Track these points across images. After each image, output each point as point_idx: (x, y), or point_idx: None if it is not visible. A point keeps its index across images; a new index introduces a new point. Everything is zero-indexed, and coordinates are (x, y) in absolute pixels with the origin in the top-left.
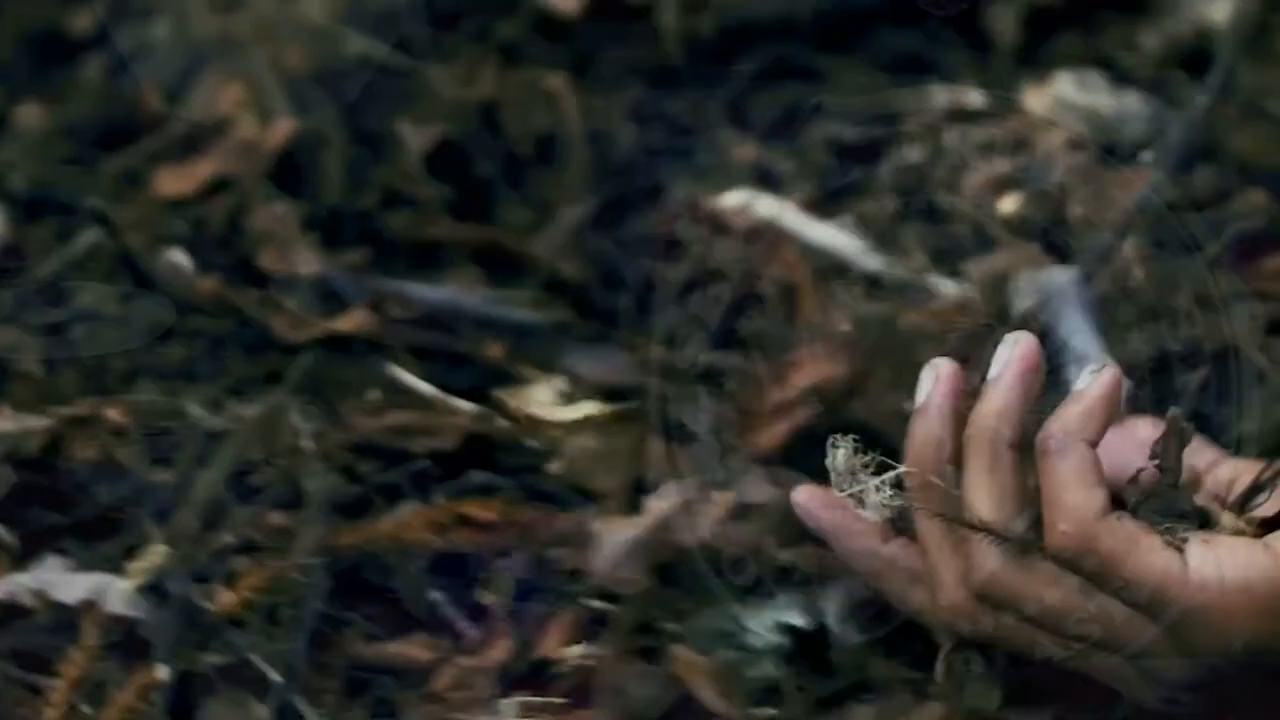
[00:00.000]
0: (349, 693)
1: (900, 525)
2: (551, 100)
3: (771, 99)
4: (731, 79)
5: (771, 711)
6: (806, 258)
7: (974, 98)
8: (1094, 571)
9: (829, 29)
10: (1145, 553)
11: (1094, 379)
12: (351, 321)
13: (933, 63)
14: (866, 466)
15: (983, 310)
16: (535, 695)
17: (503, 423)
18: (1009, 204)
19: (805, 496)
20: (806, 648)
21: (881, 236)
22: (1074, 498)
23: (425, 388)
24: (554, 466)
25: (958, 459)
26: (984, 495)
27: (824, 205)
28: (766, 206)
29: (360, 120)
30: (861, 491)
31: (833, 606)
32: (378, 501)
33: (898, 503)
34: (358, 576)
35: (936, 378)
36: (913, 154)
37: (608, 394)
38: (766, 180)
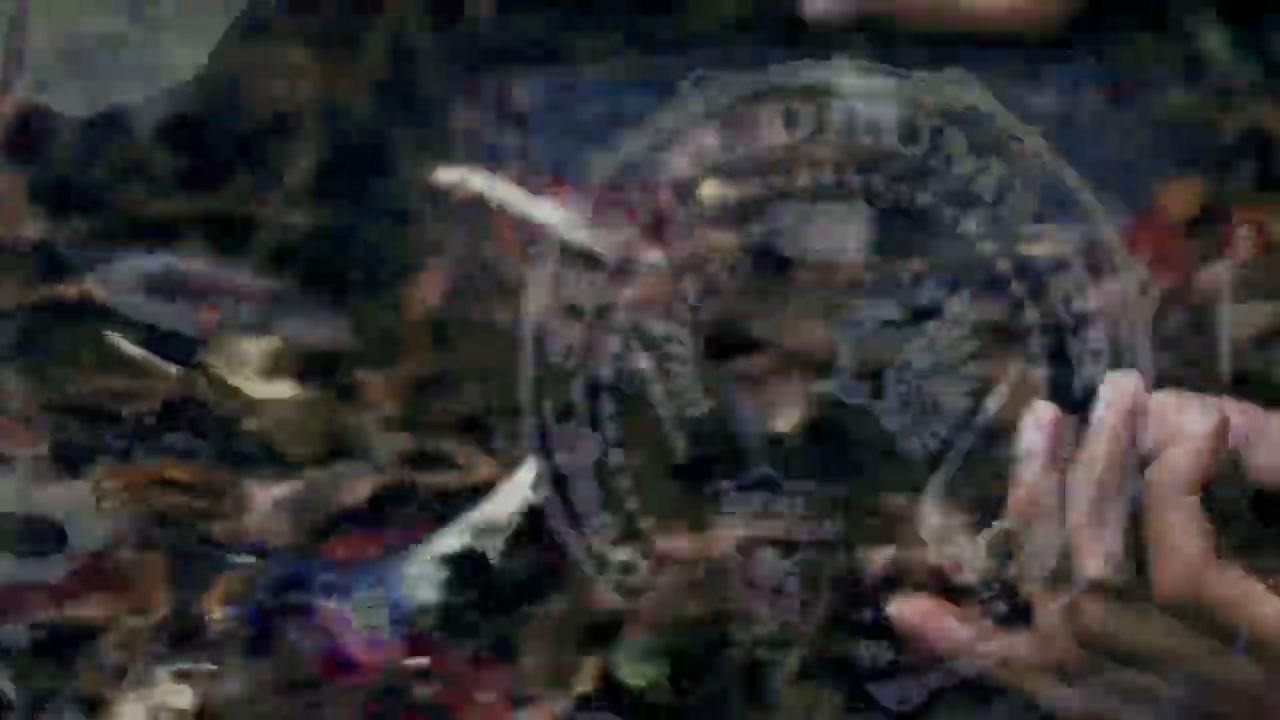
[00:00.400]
0: (37, 650)
1: (1004, 586)
2: (291, 73)
3: (519, 76)
4: (476, 55)
5: (424, 661)
6: (520, 231)
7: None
8: (1203, 620)
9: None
10: (1253, 600)
11: (1203, 419)
12: (72, 289)
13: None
14: (959, 526)
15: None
16: (193, 656)
17: (204, 386)
18: (710, 189)
19: (901, 609)
20: (468, 573)
21: (598, 213)
22: (1182, 546)
23: (135, 351)
24: (249, 426)
25: (1062, 506)
26: (1089, 543)
27: (547, 180)
28: (479, 181)
29: (96, 92)
30: (959, 553)
31: (490, 541)
32: (84, 461)
33: (997, 562)
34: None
35: (1038, 425)
36: (637, 136)
37: (322, 357)
38: (496, 155)
